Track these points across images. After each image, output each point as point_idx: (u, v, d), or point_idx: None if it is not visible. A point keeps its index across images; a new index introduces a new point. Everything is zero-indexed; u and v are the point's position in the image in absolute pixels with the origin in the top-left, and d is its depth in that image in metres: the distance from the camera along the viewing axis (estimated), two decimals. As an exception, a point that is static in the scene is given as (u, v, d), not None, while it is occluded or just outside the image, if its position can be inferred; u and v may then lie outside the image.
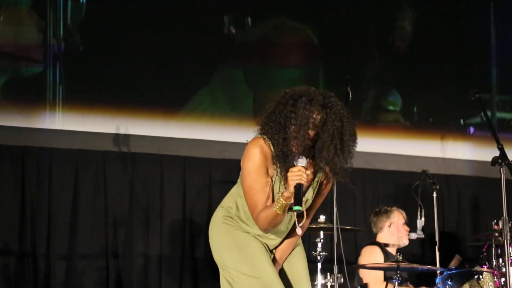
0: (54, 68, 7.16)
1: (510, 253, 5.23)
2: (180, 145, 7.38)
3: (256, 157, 3.84)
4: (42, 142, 7.01)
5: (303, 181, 3.73)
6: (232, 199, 4.03)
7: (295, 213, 3.86)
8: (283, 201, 3.77)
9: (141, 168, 7.21)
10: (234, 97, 7.78)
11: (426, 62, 8.44)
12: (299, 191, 3.72)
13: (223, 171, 7.29)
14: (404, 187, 7.80)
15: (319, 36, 8.10)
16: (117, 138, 7.20)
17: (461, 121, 8.56)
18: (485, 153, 8.26)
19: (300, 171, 3.72)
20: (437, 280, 6.22)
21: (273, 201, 3.87)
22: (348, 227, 6.46)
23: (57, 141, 7.04)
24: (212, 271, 6.71)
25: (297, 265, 4.09)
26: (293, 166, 3.76)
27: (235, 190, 4.04)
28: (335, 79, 7.79)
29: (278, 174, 3.85)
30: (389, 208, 6.77)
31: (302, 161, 3.76)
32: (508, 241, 5.13)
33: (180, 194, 7.29)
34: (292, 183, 3.72)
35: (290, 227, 4.02)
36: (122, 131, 7.22)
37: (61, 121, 7.11)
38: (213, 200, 7.21)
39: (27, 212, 6.85)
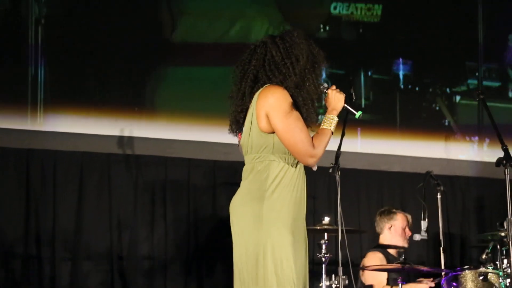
0: (57, 70, 7.18)
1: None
2: (184, 147, 7.38)
3: (288, 95, 3.83)
4: (46, 144, 7.02)
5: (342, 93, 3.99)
6: (271, 164, 3.86)
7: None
8: (337, 118, 3.93)
9: (146, 170, 7.22)
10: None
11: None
12: (350, 100, 4.00)
13: (227, 173, 7.28)
14: (409, 189, 7.79)
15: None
16: (122, 140, 7.20)
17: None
18: (490, 154, 8.27)
19: (336, 89, 3.98)
20: (442, 282, 6.21)
21: None
22: (352, 229, 6.44)
23: (61, 144, 7.04)
24: (217, 274, 6.72)
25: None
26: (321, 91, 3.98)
27: (270, 157, 3.86)
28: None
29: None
30: (393, 210, 6.74)
31: (326, 85, 3.99)
32: (513, 242, 5.11)
33: (184, 196, 7.29)
34: (342, 98, 3.95)
35: None
36: (126, 133, 7.22)
37: (66, 123, 7.12)
38: (217, 202, 7.20)
39: (31, 215, 6.86)
